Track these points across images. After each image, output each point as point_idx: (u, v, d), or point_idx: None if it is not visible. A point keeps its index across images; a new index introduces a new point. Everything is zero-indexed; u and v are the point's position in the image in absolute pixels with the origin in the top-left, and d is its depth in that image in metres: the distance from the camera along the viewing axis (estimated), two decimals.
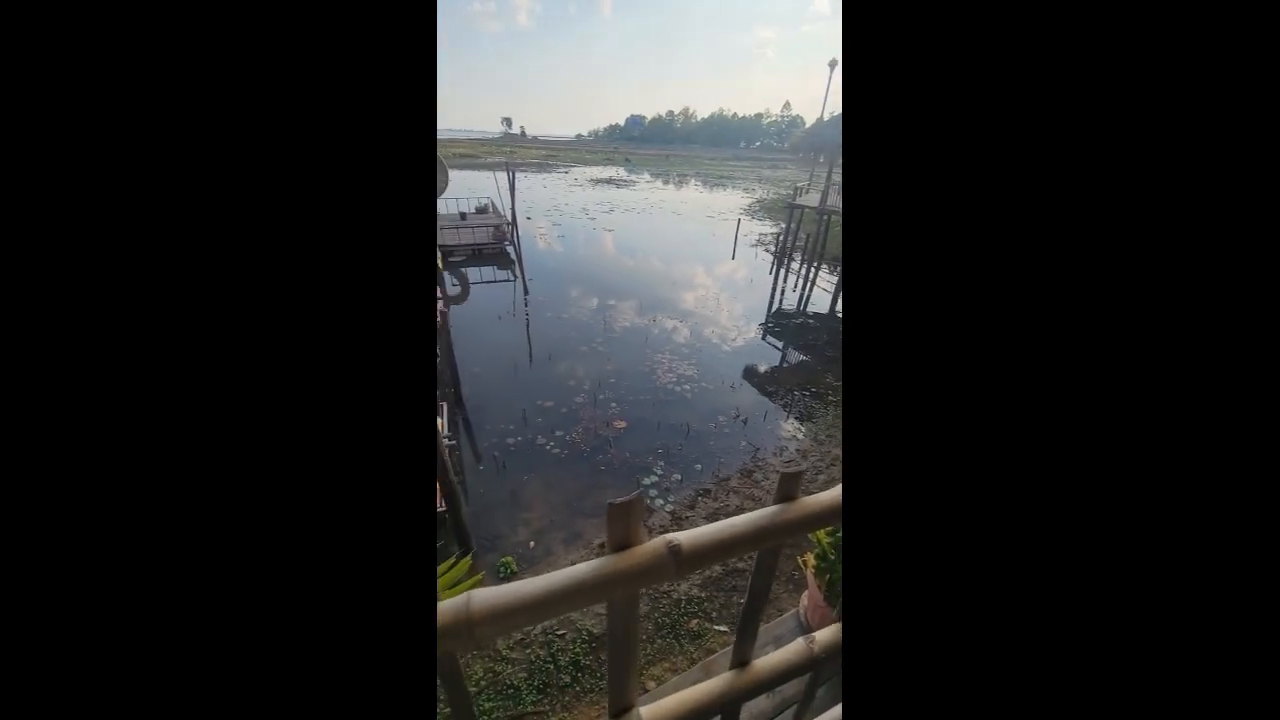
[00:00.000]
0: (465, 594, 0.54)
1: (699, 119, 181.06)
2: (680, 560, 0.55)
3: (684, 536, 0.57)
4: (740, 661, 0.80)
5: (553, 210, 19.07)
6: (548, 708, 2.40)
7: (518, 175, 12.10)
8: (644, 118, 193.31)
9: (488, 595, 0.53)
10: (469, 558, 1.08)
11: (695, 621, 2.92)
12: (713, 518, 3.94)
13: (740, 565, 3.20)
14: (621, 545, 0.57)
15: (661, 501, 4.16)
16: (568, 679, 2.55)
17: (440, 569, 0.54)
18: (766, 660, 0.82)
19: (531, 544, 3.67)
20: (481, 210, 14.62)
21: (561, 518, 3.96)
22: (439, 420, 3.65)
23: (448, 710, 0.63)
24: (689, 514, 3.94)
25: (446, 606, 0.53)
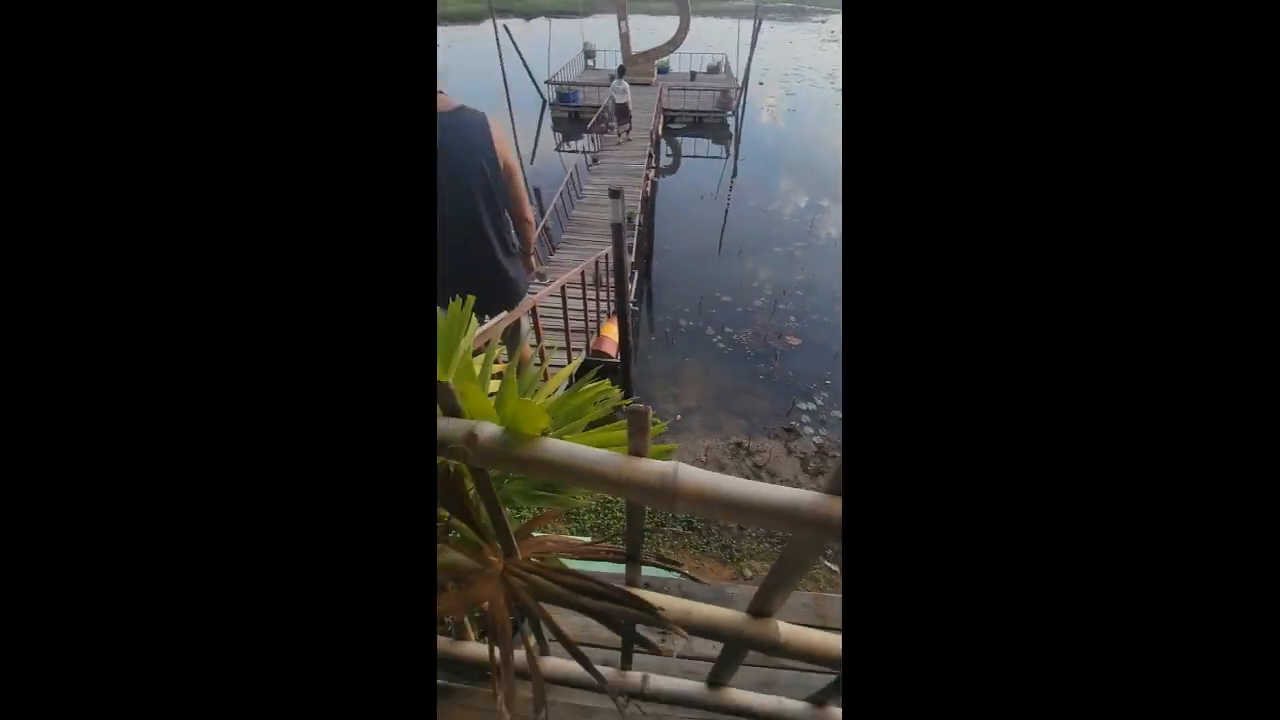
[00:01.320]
0: (674, 464, 0.55)
1: None
2: None
3: None
4: None
5: (792, 74, 16.08)
6: (648, 544, 2.86)
7: (764, 24, 10.25)
8: None
9: (694, 476, 0.54)
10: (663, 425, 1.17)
11: None
12: None
13: None
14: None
15: (811, 431, 3.97)
16: (680, 528, 2.94)
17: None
18: None
19: (678, 416, 4.02)
20: (713, 69, 13.22)
21: (709, 406, 4.17)
22: (629, 285, 3.96)
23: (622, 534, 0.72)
24: (837, 454, 3.70)
25: (654, 466, 0.56)
